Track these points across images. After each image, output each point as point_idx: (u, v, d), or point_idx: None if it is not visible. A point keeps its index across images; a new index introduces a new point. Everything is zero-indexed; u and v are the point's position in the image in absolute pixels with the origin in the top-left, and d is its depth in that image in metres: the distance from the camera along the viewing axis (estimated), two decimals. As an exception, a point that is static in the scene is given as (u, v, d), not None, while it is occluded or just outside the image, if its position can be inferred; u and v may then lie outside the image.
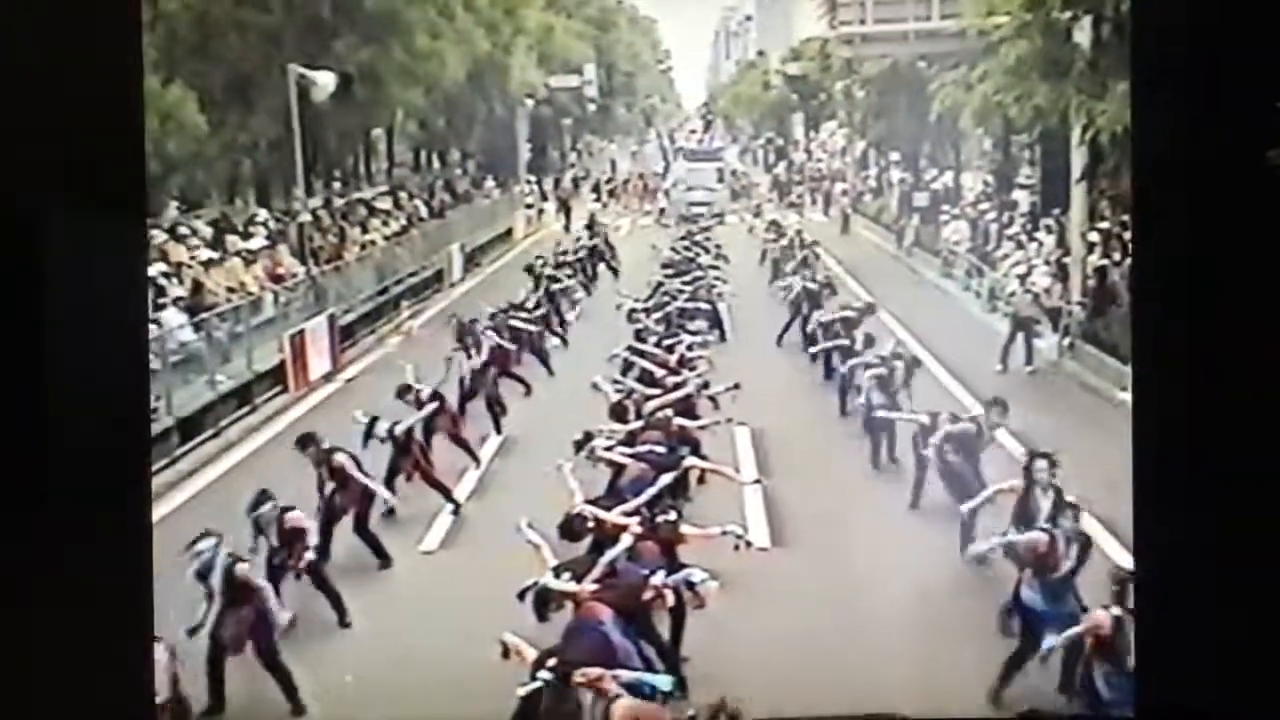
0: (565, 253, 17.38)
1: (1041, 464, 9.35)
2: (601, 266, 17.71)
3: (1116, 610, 8.10)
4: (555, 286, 16.01)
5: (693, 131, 21.02)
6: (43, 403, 7.23)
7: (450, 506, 11.30)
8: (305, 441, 10.51)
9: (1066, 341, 14.20)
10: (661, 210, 19.32)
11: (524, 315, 14.63)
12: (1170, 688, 7.50)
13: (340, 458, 10.42)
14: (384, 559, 10.53)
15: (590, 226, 18.34)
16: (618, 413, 11.65)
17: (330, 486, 10.39)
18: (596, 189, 19.88)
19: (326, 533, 10.37)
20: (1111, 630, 8.03)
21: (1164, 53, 7.38)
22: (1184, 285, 7.36)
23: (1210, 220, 7.31)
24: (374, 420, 11.25)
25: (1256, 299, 7.31)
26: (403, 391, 11.94)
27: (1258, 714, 7.40)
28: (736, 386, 12.23)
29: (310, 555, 9.66)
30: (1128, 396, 12.54)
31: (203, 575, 8.67)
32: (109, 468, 7.41)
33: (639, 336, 14.08)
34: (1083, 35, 13.66)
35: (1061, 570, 8.77)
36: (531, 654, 7.64)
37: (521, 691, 7.50)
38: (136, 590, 7.48)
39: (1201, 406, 7.39)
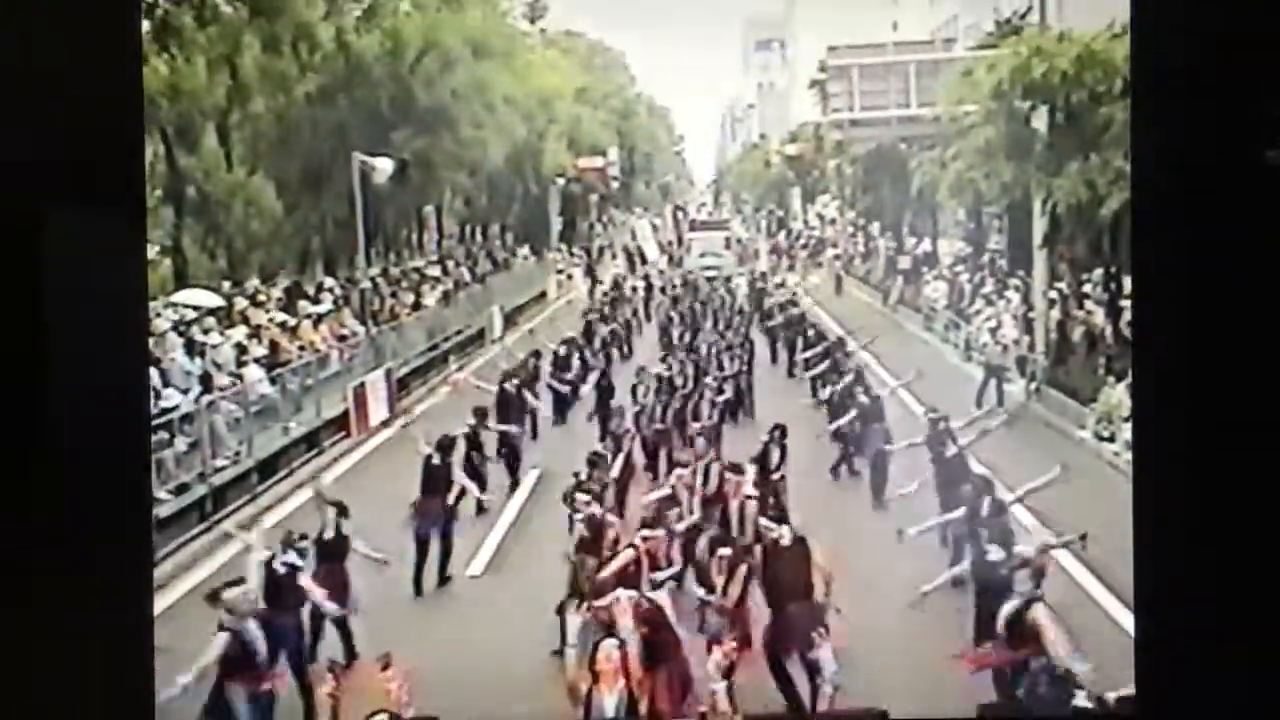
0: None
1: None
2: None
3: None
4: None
5: (703, 204, 21.04)
6: (42, 404, 6.78)
7: None
8: None
9: (1033, 386, 14.40)
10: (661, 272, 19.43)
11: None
12: (1171, 704, 7.01)
13: None
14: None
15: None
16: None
17: None
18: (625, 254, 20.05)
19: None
20: None
21: (1164, 55, 6.86)
22: (1183, 285, 6.89)
23: (1210, 221, 6.82)
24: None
25: (1257, 299, 6.85)
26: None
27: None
28: None
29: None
30: (1086, 434, 13.16)
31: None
32: (109, 469, 6.96)
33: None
34: (1040, 122, 13.91)
35: None
36: None
37: None
38: (137, 590, 7.16)
39: (1201, 409, 6.91)
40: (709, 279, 18.30)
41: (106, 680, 6.91)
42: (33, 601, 6.80)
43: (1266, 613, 6.88)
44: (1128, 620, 8.79)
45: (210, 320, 13.82)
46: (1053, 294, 14.96)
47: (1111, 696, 7.53)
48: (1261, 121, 6.75)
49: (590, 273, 19.46)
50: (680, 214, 20.58)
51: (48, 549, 6.82)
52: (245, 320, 14.42)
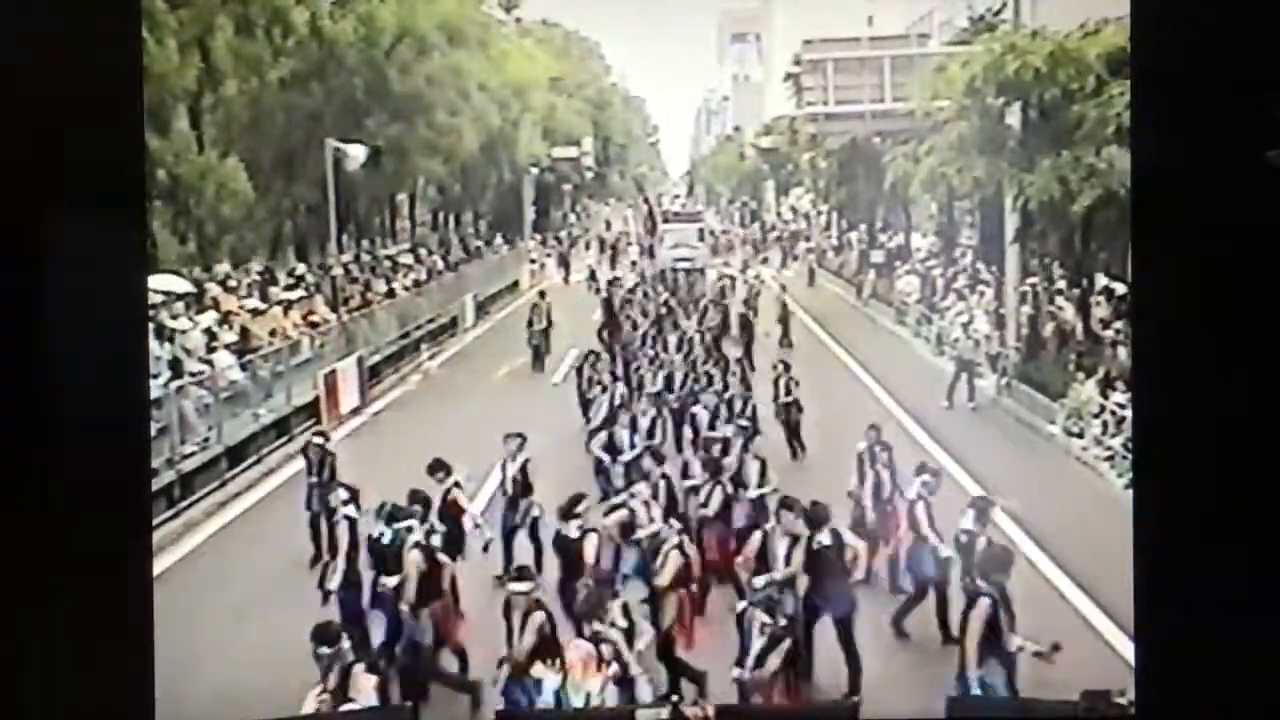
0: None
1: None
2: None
3: None
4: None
5: (677, 196, 20.94)
6: (42, 402, 6.80)
7: None
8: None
9: (1004, 381, 14.37)
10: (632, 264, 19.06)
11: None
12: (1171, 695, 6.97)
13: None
14: None
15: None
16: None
17: None
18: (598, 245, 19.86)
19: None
20: None
21: (1164, 54, 6.89)
22: (1183, 285, 6.90)
23: (1210, 221, 6.84)
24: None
25: (1257, 299, 6.87)
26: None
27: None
28: None
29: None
30: (1056, 429, 13.23)
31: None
32: (109, 467, 6.98)
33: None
34: (1014, 118, 13.96)
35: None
36: None
37: None
38: (137, 590, 7.12)
39: (1200, 406, 6.89)
40: (685, 271, 18.19)
41: (106, 676, 6.92)
42: (29, 601, 6.80)
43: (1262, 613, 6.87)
44: (1083, 603, 9.37)
45: (179, 305, 13.53)
46: (1024, 289, 14.96)
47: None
48: (1262, 121, 6.72)
49: (563, 263, 19.36)
50: (653, 205, 20.36)
51: (46, 549, 6.82)
52: (215, 306, 14.17)
